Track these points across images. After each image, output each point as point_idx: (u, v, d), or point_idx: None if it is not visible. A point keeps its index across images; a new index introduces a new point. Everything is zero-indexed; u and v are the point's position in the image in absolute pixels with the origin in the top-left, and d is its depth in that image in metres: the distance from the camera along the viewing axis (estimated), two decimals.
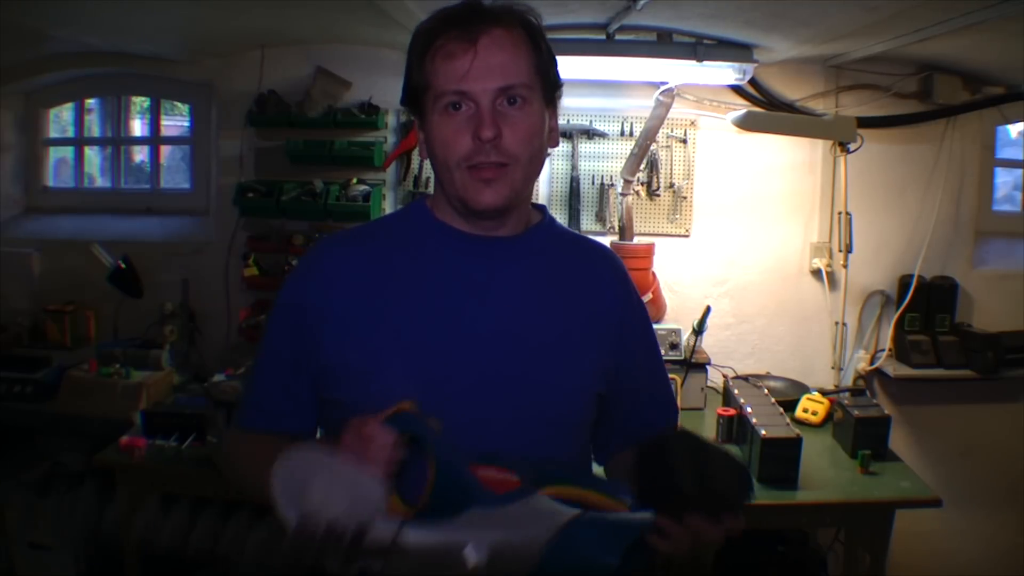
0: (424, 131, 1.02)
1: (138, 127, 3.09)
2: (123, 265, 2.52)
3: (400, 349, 0.99)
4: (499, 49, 0.96)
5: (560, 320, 1.05)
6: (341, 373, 1.00)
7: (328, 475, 0.79)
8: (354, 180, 2.52)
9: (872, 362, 2.60)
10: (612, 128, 2.55)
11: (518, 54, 0.98)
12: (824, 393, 2.35)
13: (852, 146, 2.44)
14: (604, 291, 1.12)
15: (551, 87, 1.04)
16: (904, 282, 2.56)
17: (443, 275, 1.03)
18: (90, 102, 3.03)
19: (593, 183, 2.57)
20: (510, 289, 1.04)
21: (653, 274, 2.46)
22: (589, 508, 0.82)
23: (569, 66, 2.23)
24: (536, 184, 2.53)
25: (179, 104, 3.01)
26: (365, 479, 0.79)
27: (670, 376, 2.05)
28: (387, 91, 2.54)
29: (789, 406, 2.20)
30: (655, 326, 2.34)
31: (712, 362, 2.40)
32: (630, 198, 2.46)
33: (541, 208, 1.14)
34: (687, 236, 2.59)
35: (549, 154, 1.10)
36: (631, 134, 2.53)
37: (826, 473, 1.94)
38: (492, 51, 0.96)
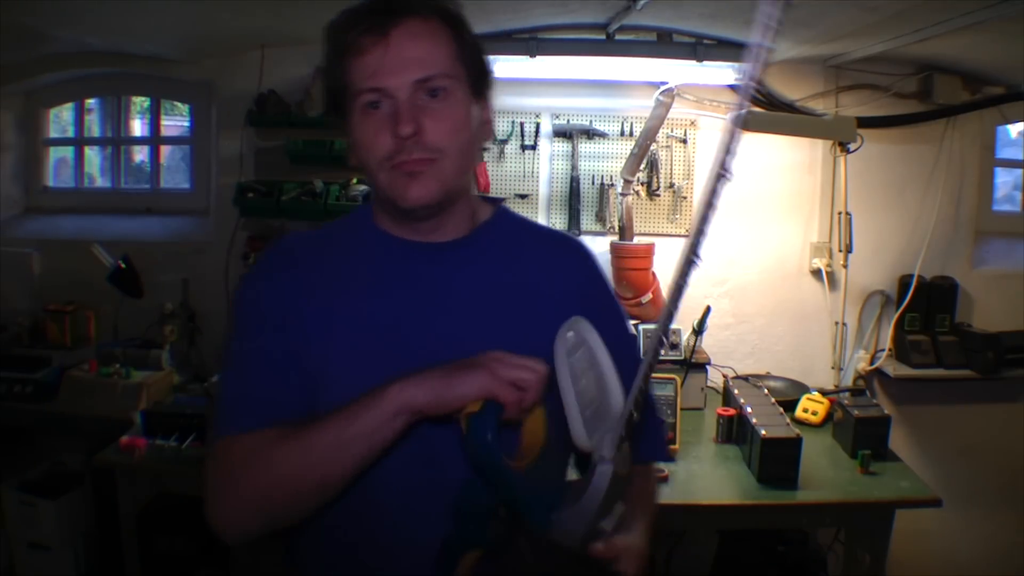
0: (350, 133, 0.96)
1: (138, 127, 3.09)
2: (123, 265, 2.52)
3: (349, 361, 0.94)
4: (413, 40, 0.91)
5: (517, 324, 0.98)
6: (326, 376, 0.96)
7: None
8: (354, 180, 2.52)
9: (872, 362, 2.60)
10: (612, 128, 2.55)
11: (435, 44, 0.93)
12: (824, 393, 2.35)
13: (852, 146, 2.44)
14: (569, 282, 1.05)
15: (478, 78, 0.97)
16: (904, 282, 2.56)
17: (386, 287, 0.98)
18: (90, 102, 3.04)
19: (593, 183, 2.57)
20: (458, 298, 0.98)
21: (653, 274, 2.46)
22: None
23: (569, 66, 2.23)
24: (536, 184, 2.57)
25: (179, 104, 3.02)
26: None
27: (670, 376, 2.08)
28: None
29: (789, 406, 2.20)
30: (655, 326, 2.37)
31: (712, 362, 2.40)
32: (630, 198, 2.46)
33: (495, 201, 1.09)
34: (687, 236, 2.58)
35: (487, 148, 1.08)
36: (631, 134, 2.53)
37: (826, 473, 1.94)
38: (406, 43, 0.91)
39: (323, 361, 0.94)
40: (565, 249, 1.11)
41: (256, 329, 0.98)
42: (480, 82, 0.98)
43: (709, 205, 0.75)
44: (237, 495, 0.89)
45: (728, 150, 0.73)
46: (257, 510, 0.89)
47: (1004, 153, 2.81)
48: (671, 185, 2.56)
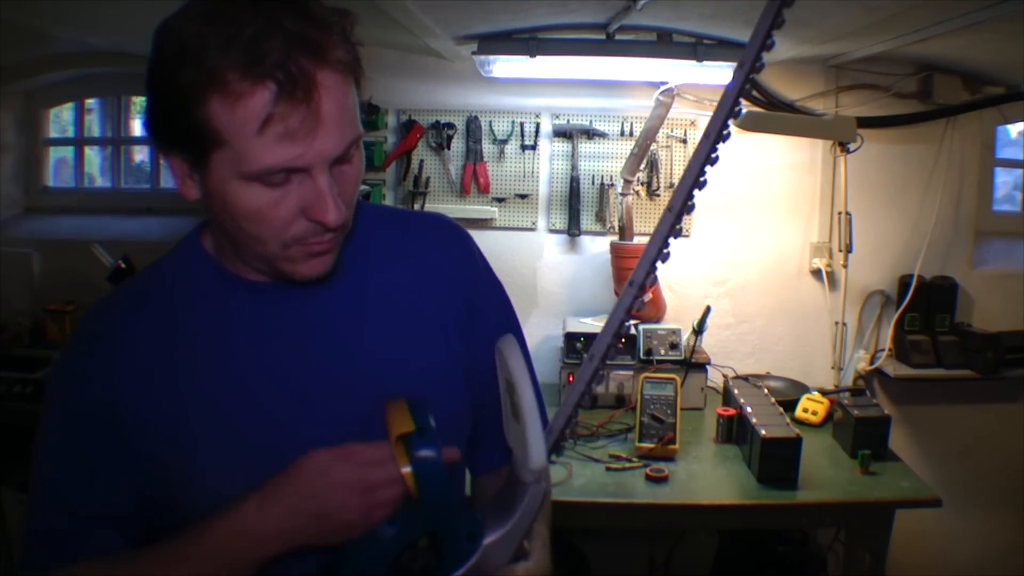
0: (208, 185, 0.74)
1: (138, 127, 3.09)
2: (123, 265, 2.52)
3: (220, 431, 0.80)
4: (334, 101, 0.71)
5: (400, 345, 0.89)
6: (156, 474, 0.81)
7: None
8: None
9: (872, 362, 2.60)
10: (612, 128, 2.55)
11: (351, 101, 0.74)
12: (824, 393, 2.35)
13: (852, 146, 2.44)
14: (444, 282, 0.94)
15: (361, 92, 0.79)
16: (904, 282, 2.56)
17: (249, 335, 0.84)
18: (90, 102, 3.04)
19: (593, 183, 2.57)
20: (331, 326, 0.85)
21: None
22: None
23: (569, 66, 2.23)
24: (536, 184, 2.56)
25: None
26: None
27: (670, 376, 2.08)
28: (387, 91, 2.54)
29: (789, 406, 2.20)
30: (655, 326, 2.38)
31: (712, 362, 2.40)
32: (630, 198, 2.46)
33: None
34: (687, 236, 2.59)
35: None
36: (631, 134, 2.53)
37: (826, 473, 1.94)
38: (327, 104, 0.70)
39: (180, 453, 0.79)
40: (435, 242, 0.96)
41: (63, 434, 0.82)
42: (361, 90, 0.79)
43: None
44: None
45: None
46: None
47: (1004, 153, 2.81)
48: (671, 185, 2.56)
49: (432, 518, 0.75)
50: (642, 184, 2.55)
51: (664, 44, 2.20)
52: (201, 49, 0.67)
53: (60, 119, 3.08)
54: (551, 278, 2.63)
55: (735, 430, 2.08)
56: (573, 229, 2.56)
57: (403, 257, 0.93)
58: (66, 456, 0.82)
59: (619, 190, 2.47)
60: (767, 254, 2.62)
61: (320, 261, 0.80)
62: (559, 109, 2.55)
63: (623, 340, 0.88)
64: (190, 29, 0.68)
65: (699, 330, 2.35)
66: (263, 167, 0.70)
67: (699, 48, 2.15)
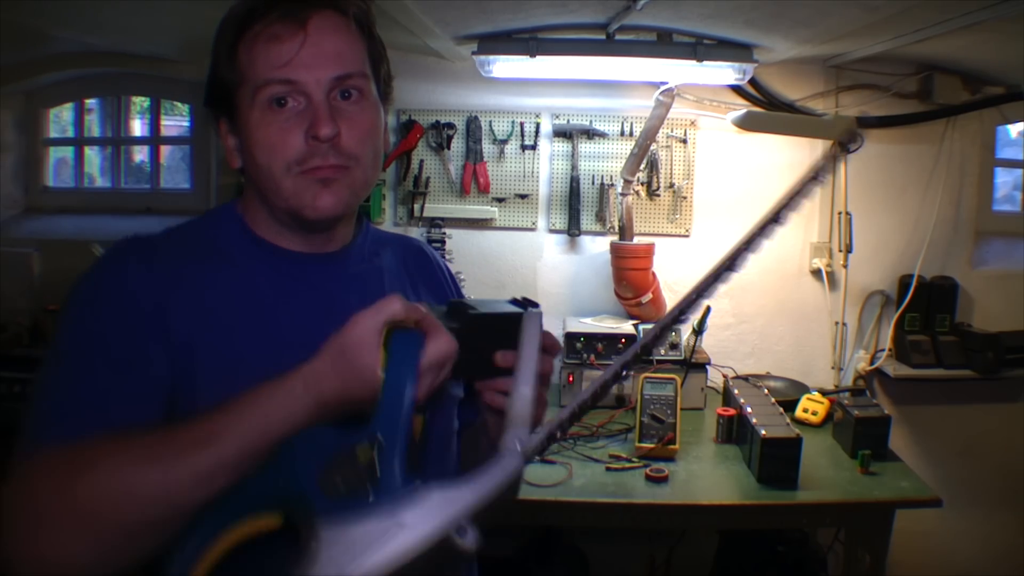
0: (237, 133, 0.86)
1: (138, 127, 3.09)
2: None
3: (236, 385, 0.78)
4: (332, 33, 0.84)
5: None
6: (186, 383, 0.80)
7: None
8: None
9: (872, 362, 2.60)
10: (612, 128, 2.55)
11: (352, 41, 0.86)
12: (824, 393, 2.35)
13: (852, 146, 2.43)
14: (440, 282, 1.07)
15: (385, 82, 0.92)
16: (904, 282, 2.56)
17: (279, 306, 0.87)
18: (90, 102, 3.04)
19: (593, 183, 2.57)
20: (358, 304, 0.86)
21: (653, 274, 2.46)
22: None
23: (569, 66, 2.23)
24: (536, 184, 2.56)
25: (179, 104, 3.02)
26: None
27: (670, 376, 2.08)
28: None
29: (789, 406, 2.20)
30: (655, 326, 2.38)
31: (712, 362, 2.40)
32: (630, 198, 2.46)
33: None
34: (687, 236, 2.59)
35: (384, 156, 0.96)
36: (631, 134, 2.53)
37: (826, 473, 1.94)
38: (325, 35, 0.83)
39: (218, 390, 0.76)
40: (416, 251, 1.10)
41: (99, 323, 0.79)
42: (386, 88, 0.93)
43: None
44: (61, 520, 0.64)
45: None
46: (94, 539, 0.65)
47: (1004, 153, 2.81)
48: (671, 185, 2.56)
49: (382, 415, 0.69)
50: (642, 184, 2.55)
51: (664, 44, 2.20)
52: (235, 10, 0.84)
53: (60, 119, 3.08)
54: (551, 278, 2.63)
55: (735, 430, 2.08)
56: (573, 229, 2.56)
57: (404, 262, 1.04)
58: (94, 338, 0.78)
59: (619, 190, 2.47)
60: (767, 254, 2.58)
61: (330, 193, 0.85)
62: (559, 109, 2.55)
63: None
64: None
65: (699, 330, 2.35)
66: (265, 78, 0.81)
67: (699, 48, 2.15)
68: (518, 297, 0.88)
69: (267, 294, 0.87)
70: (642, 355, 0.81)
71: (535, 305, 0.84)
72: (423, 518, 0.63)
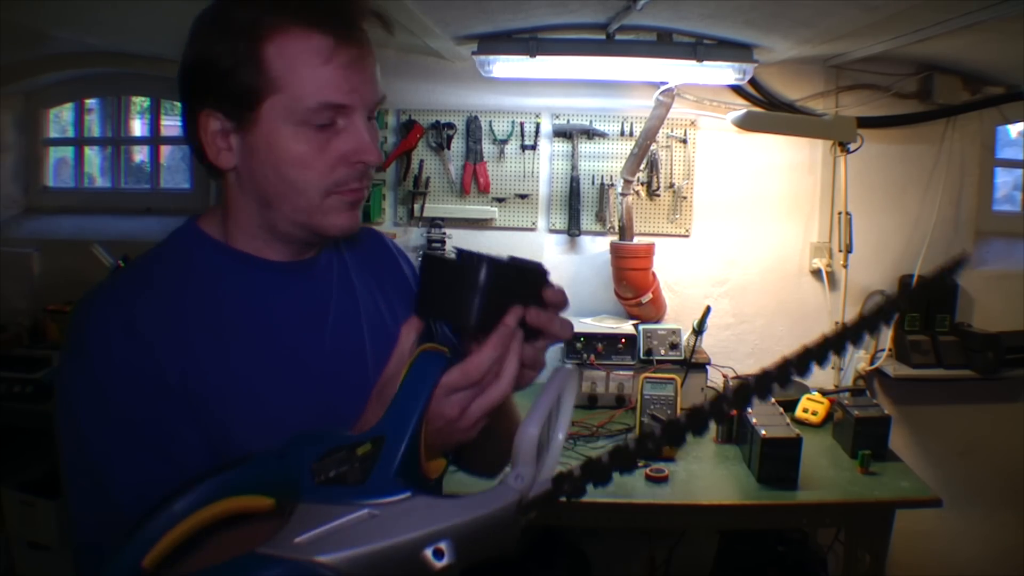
0: (243, 135, 0.81)
1: (138, 127, 3.09)
2: (123, 265, 2.52)
3: (257, 415, 0.81)
4: (370, 53, 0.82)
5: (391, 325, 0.95)
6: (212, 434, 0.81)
7: None
8: None
9: (872, 362, 2.60)
10: (612, 128, 2.54)
11: (375, 56, 0.84)
12: (824, 393, 2.35)
13: (852, 146, 2.44)
14: (398, 272, 1.05)
15: None
16: (904, 282, 2.56)
17: (270, 318, 0.86)
18: (90, 102, 3.04)
19: (593, 183, 2.57)
20: (342, 308, 0.92)
21: (653, 274, 2.46)
22: None
23: (569, 66, 2.23)
24: (536, 184, 2.56)
25: (179, 104, 3.01)
26: None
27: (670, 376, 2.08)
28: (387, 91, 2.52)
29: (789, 406, 2.20)
30: (655, 326, 2.39)
31: (712, 362, 2.40)
32: (630, 198, 2.46)
33: None
34: (687, 236, 2.59)
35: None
36: (631, 134, 2.53)
37: (826, 473, 1.94)
38: (368, 56, 0.81)
39: (221, 424, 0.79)
40: (379, 242, 1.08)
41: (123, 405, 0.76)
42: None
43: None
44: None
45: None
46: None
47: (1004, 153, 2.81)
48: (671, 185, 2.56)
49: (389, 418, 0.69)
50: (642, 184, 2.55)
51: (664, 44, 2.20)
52: (254, 6, 0.77)
53: (60, 119, 3.08)
54: (551, 278, 2.62)
55: (735, 430, 2.08)
56: (573, 229, 2.56)
57: (374, 252, 1.04)
58: (130, 428, 0.76)
59: (619, 190, 2.47)
60: (767, 254, 2.62)
61: (353, 213, 0.85)
62: (559, 109, 2.55)
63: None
64: None
65: (699, 330, 2.35)
66: (320, 101, 0.78)
67: (699, 48, 2.15)
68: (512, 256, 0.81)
69: (256, 309, 0.86)
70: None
71: (538, 265, 0.78)
72: (400, 521, 0.62)
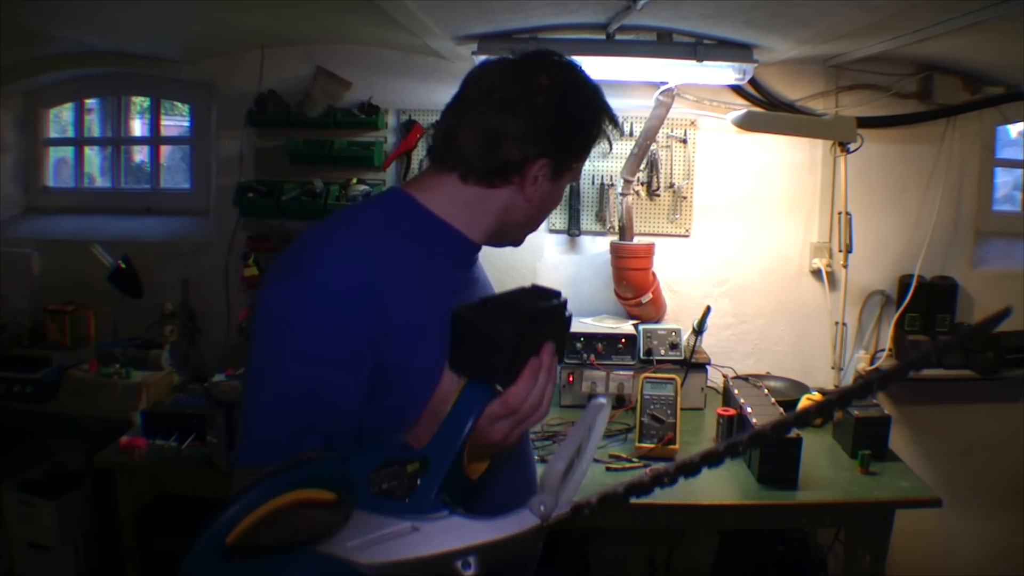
0: (554, 181, 1.10)
1: (138, 127, 3.09)
2: (123, 265, 2.52)
3: (425, 385, 0.90)
4: None
5: None
6: (402, 378, 0.94)
7: None
8: (354, 180, 2.52)
9: (872, 362, 2.60)
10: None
11: None
12: (824, 393, 2.35)
13: (852, 146, 2.44)
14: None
15: None
16: (904, 282, 2.56)
17: (456, 280, 1.09)
18: (90, 102, 3.04)
19: (593, 183, 2.57)
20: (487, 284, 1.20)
21: (653, 274, 2.46)
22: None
23: None
24: None
25: (179, 104, 3.02)
26: None
27: (670, 376, 2.08)
28: (387, 91, 2.55)
29: (789, 406, 2.20)
30: (655, 326, 2.39)
31: (712, 362, 2.40)
32: (630, 198, 2.46)
33: None
34: (687, 236, 2.59)
35: None
36: (631, 134, 2.53)
37: (826, 473, 1.94)
38: None
39: (428, 354, 0.90)
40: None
41: (306, 344, 0.90)
42: None
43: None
44: None
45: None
46: None
47: (1004, 153, 2.81)
48: (671, 185, 2.56)
49: (437, 442, 0.79)
50: (642, 184, 2.55)
51: (664, 44, 2.20)
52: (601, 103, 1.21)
53: (60, 119, 3.08)
54: (551, 278, 2.63)
55: (735, 430, 2.08)
56: (573, 229, 2.56)
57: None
58: (298, 370, 0.90)
59: (619, 190, 2.47)
60: (767, 254, 2.62)
61: None
62: None
63: None
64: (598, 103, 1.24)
65: (699, 330, 2.35)
66: (579, 166, 1.17)
67: (699, 48, 2.15)
68: (534, 285, 0.91)
69: (452, 271, 1.08)
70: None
71: (557, 295, 0.89)
72: (438, 534, 0.72)
